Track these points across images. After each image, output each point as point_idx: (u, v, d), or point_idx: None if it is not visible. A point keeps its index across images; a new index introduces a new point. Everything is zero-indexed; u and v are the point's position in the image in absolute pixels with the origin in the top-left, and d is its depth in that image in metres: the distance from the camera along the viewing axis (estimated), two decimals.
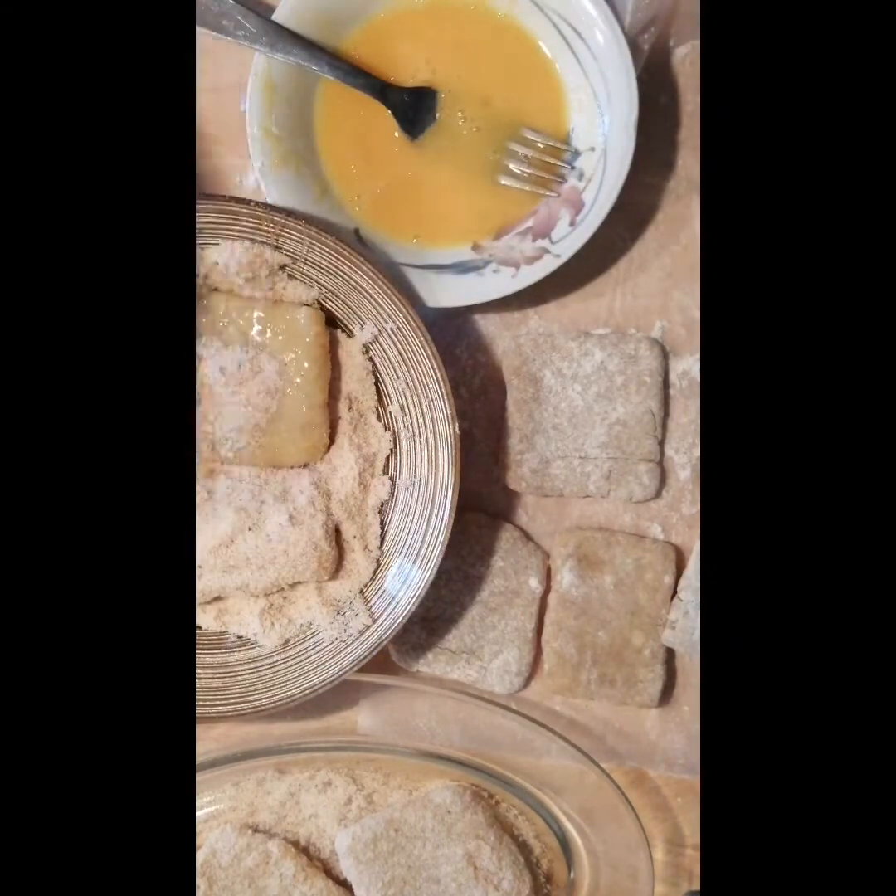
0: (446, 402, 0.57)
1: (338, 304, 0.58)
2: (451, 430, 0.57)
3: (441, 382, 0.57)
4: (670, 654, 0.63)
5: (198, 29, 0.57)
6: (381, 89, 0.60)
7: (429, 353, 0.57)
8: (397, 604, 0.58)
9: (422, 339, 0.57)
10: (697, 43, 0.62)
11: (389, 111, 0.60)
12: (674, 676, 0.64)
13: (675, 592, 0.62)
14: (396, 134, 0.61)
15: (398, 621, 0.58)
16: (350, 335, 0.59)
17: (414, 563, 0.58)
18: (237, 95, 0.62)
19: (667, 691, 0.63)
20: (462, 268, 0.61)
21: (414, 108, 0.60)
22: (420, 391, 0.58)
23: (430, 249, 0.62)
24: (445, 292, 0.60)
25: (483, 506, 0.64)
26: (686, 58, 0.63)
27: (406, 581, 0.58)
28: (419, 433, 0.59)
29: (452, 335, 0.64)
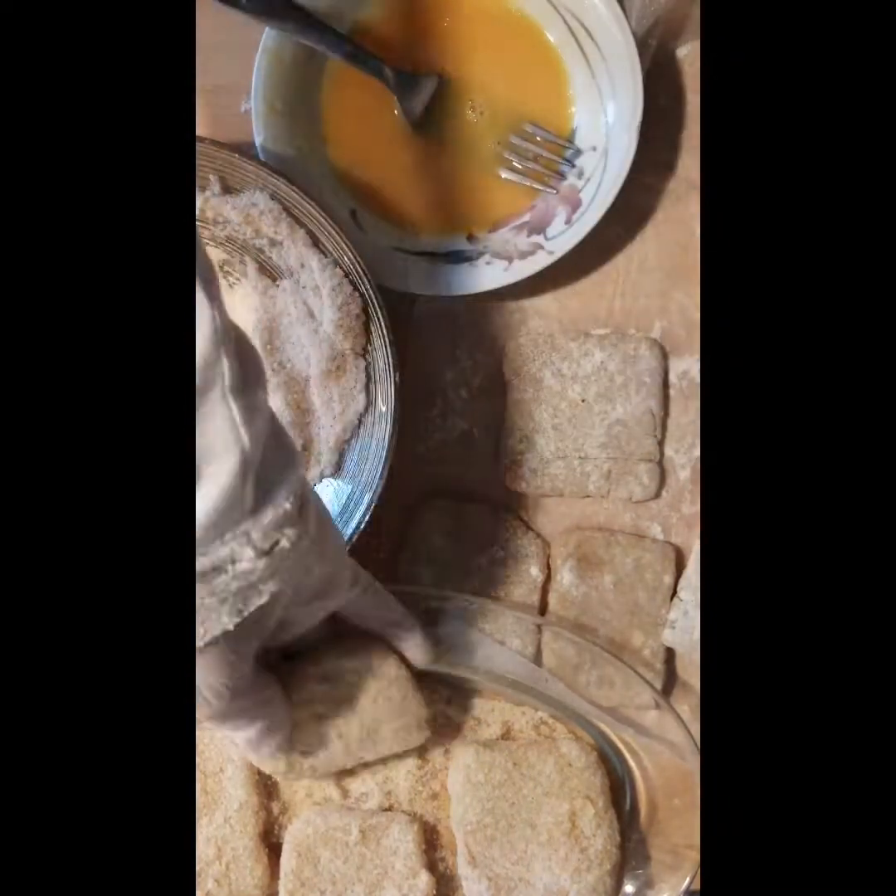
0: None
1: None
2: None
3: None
4: (670, 654, 0.63)
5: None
6: (386, 73, 0.60)
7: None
8: None
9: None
10: (698, 43, 0.62)
11: (395, 96, 0.60)
12: (674, 676, 0.63)
13: (675, 592, 0.62)
14: (400, 118, 0.61)
15: None
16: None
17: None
18: (237, 95, 0.63)
19: (666, 692, 0.63)
20: (456, 257, 0.61)
21: (419, 95, 0.61)
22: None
23: (426, 236, 0.62)
24: (437, 281, 0.61)
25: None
26: (686, 58, 0.63)
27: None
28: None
29: (452, 336, 0.64)
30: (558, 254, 0.60)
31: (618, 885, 0.60)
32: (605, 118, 0.60)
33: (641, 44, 0.59)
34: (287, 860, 0.58)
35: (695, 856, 0.59)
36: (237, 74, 0.61)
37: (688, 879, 0.59)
